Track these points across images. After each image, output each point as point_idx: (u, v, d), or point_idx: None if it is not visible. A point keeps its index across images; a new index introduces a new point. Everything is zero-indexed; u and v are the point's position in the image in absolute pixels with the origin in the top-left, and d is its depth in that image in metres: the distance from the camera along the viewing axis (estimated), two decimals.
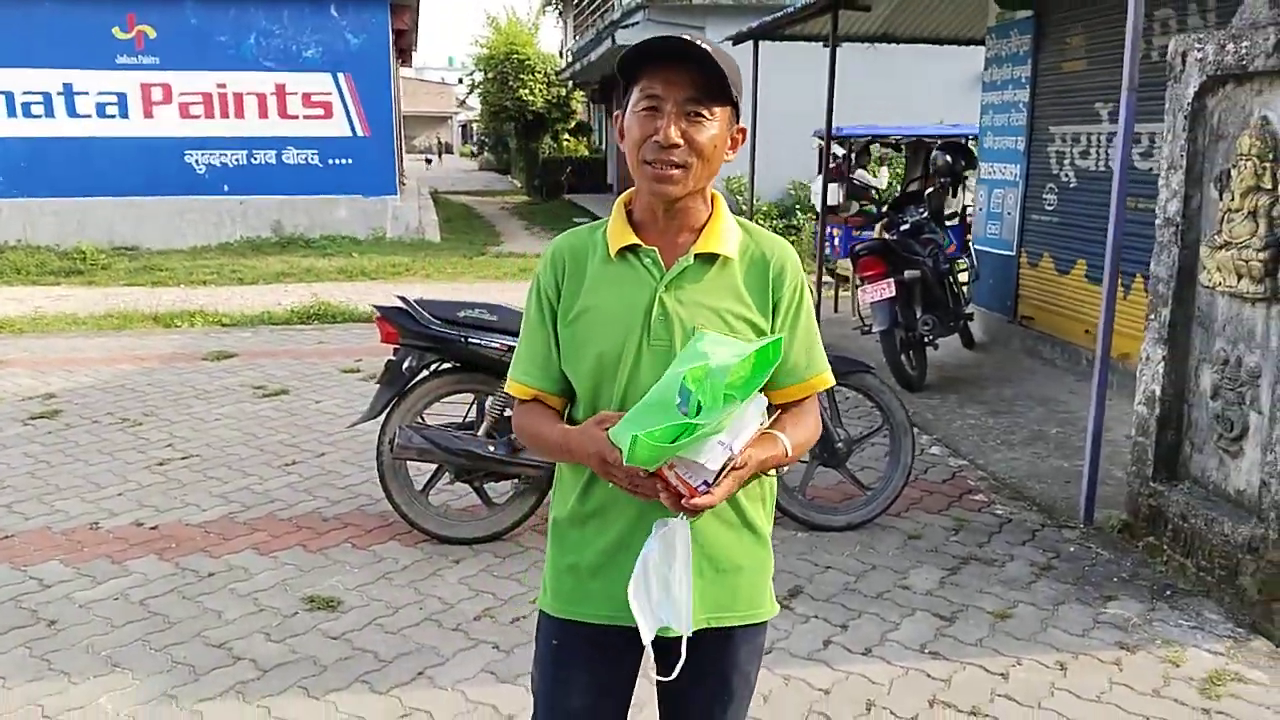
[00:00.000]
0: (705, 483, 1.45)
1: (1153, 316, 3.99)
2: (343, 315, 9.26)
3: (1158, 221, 3.96)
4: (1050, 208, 7.55)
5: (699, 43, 1.57)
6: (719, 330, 1.64)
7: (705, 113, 1.60)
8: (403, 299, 4.03)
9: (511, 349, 3.91)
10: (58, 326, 8.80)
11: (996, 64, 8.34)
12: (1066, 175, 7.33)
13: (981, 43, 9.21)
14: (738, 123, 1.68)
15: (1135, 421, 4.09)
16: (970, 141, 9.36)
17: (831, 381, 1.79)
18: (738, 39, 9.86)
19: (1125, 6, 6.65)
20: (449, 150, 57.35)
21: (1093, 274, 6.96)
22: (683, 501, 1.49)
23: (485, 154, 44.54)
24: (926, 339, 6.77)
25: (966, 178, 8.71)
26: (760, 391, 1.51)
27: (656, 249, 1.68)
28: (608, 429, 1.55)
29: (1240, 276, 3.51)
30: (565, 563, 1.75)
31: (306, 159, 15.40)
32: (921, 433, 5.58)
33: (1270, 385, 3.45)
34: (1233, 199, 3.54)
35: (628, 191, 1.76)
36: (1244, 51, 3.46)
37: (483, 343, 3.96)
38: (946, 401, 6.41)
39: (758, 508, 1.73)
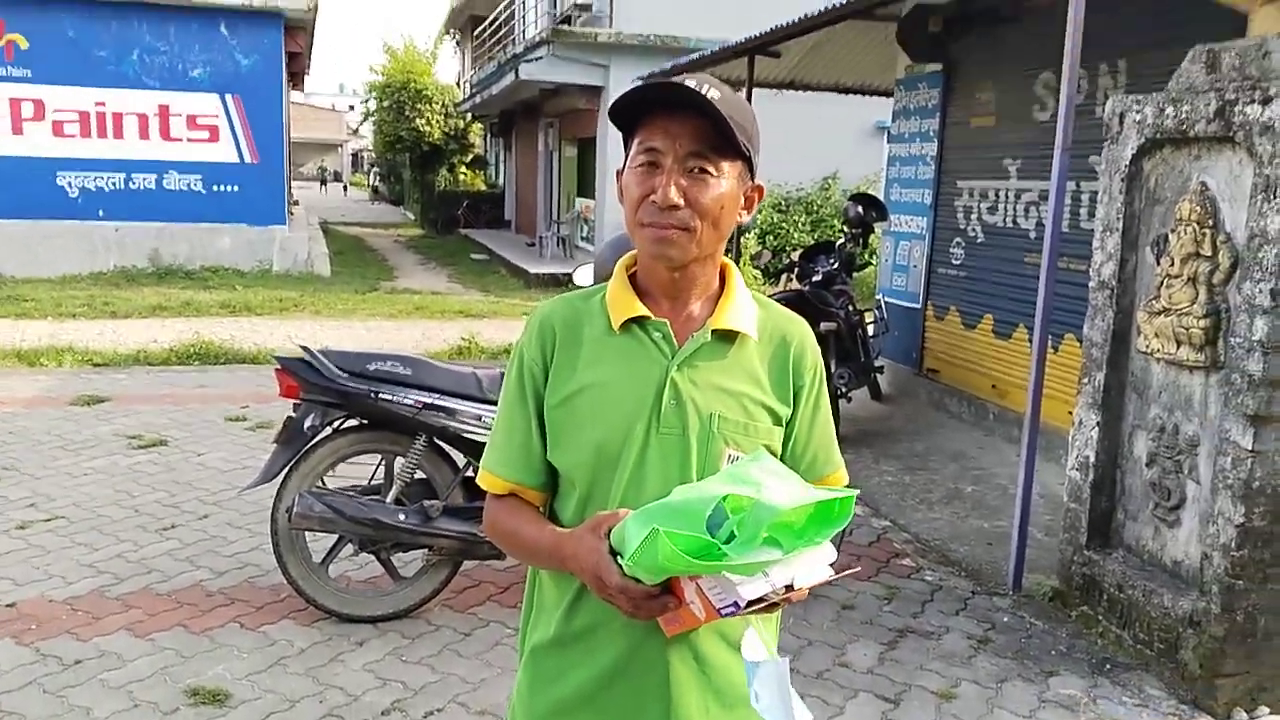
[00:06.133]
0: (735, 605, 1.20)
1: (1086, 380, 3.94)
2: (226, 355, 8.68)
3: (1091, 284, 3.92)
4: (957, 262, 7.61)
5: (702, 88, 1.34)
6: (736, 418, 1.43)
7: (711, 169, 1.38)
8: (305, 349, 3.66)
9: (427, 405, 3.63)
10: None
11: (904, 116, 8.42)
12: (974, 230, 7.40)
13: (888, 94, 9.36)
14: (753, 179, 1.46)
15: (1067, 487, 4.03)
16: None
17: (846, 479, 1.58)
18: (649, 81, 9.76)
19: (1034, 65, 6.89)
20: (338, 179, 56.26)
21: (1000, 329, 7.02)
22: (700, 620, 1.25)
23: (377, 184, 43.90)
24: (841, 392, 6.69)
25: (876, 230, 8.76)
26: (830, 543, 1.27)
27: (667, 322, 1.45)
28: (608, 534, 1.28)
29: (1179, 343, 3.47)
30: (547, 701, 1.46)
31: (189, 185, 14.60)
32: None
33: (1208, 454, 3.41)
34: (1172, 264, 3.51)
35: (630, 254, 1.52)
36: (1184, 116, 3.45)
37: (394, 399, 3.62)
38: (861, 456, 6.32)
39: (769, 624, 1.49)
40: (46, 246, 13.93)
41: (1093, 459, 3.88)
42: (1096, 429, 3.87)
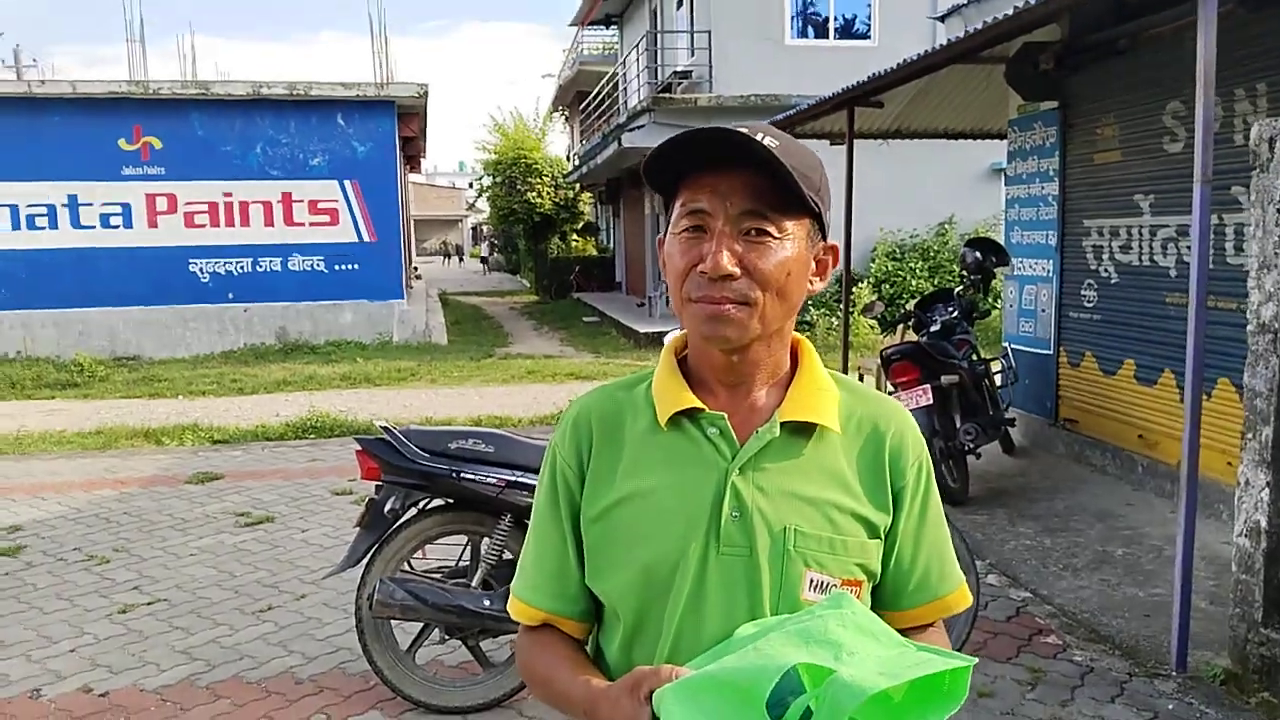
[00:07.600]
0: None
1: (1250, 435, 3.46)
2: (340, 428, 8.76)
3: (1250, 327, 3.46)
4: (1090, 304, 7.07)
5: (757, 135, 1.08)
6: (819, 532, 1.13)
7: (771, 229, 1.12)
8: (386, 429, 3.53)
9: (510, 484, 3.43)
10: (40, 447, 8.32)
11: (1021, 157, 7.98)
12: (1106, 270, 6.87)
13: (1000, 136, 8.92)
14: (824, 239, 1.19)
15: (1236, 556, 3.53)
16: None
17: (970, 599, 1.27)
18: None
19: (1159, 95, 6.40)
20: (459, 253, 58.61)
21: (1143, 375, 6.44)
22: None
23: (495, 255, 45.39)
24: (969, 448, 6.23)
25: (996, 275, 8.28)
26: None
27: (725, 415, 1.18)
28: (650, 695, 1.01)
29: None
30: None
31: (312, 265, 15.20)
32: (975, 557, 4.99)
33: None
34: None
35: (677, 335, 1.26)
36: None
37: (478, 478, 3.43)
38: (995, 518, 5.83)
39: None
40: (182, 329, 14.70)
41: (1264, 524, 3.38)
42: (1267, 490, 3.38)
